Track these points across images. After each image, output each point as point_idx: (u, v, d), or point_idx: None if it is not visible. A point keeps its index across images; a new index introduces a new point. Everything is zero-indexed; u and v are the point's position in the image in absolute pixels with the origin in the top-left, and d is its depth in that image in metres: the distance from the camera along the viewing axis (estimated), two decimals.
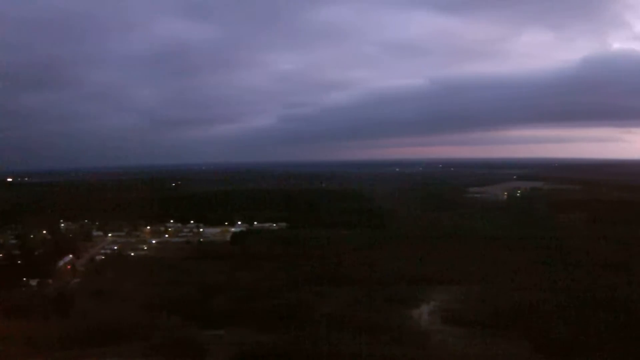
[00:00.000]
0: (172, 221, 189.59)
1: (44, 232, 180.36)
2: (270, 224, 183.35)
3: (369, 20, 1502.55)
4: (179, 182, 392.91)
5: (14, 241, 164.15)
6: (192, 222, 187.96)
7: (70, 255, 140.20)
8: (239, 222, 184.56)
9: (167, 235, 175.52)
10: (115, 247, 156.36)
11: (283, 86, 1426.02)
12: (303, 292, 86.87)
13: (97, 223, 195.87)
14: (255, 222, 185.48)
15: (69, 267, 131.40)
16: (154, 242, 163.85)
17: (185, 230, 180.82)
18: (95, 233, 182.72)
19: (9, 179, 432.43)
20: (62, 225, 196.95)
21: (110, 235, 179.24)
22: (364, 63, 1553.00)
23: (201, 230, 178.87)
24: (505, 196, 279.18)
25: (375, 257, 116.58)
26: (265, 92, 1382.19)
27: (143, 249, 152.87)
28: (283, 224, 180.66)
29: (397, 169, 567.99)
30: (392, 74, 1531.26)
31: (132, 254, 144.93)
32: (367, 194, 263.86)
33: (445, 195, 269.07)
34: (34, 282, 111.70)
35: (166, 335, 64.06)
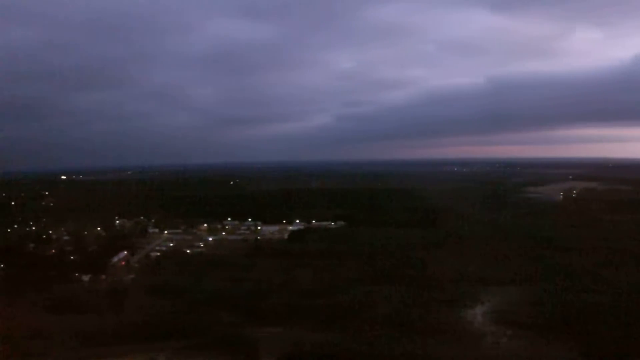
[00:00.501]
0: (229, 219, 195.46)
1: (99, 228, 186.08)
2: (328, 222, 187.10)
3: (425, 19, 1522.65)
4: (238, 180, 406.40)
5: (67, 237, 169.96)
6: (250, 219, 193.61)
7: (125, 252, 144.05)
8: (297, 221, 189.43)
9: (224, 233, 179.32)
10: (171, 244, 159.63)
11: (341, 85, 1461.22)
12: (359, 291, 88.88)
13: (153, 220, 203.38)
14: (313, 221, 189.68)
15: (123, 263, 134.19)
16: (210, 239, 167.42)
17: (243, 228, 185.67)
18: (151, 230, 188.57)
19: (63, 177, 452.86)
20: (118, 222, 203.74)
21: (166, 232, 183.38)
22: (421, 61, 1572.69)
23: (259, 228, 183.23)
24: (561, 196, 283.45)
25: (431, 256, 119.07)
26: (323, 91, 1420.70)
27: (199, 246, 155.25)
28: (341, 223, 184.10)
29: (455, 168, 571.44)
30: (449, 72, 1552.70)
31: (188, 251, 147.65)
32: (425, 193, 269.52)
33: (501, 194, 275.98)
34: (85, 278, 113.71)
35: (221, 332, 64.90)
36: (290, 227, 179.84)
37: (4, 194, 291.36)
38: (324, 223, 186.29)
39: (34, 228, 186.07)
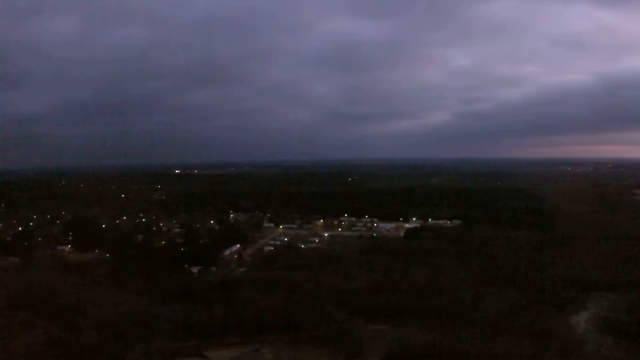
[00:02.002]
0: (346, 215, 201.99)
1: (211, 222, 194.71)
2: (444, 221, 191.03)
3: (535, 15, 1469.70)
4: (355, 177, 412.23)
5: (177, 230, 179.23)
6: (366, 216, 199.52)
7: (237, 245, 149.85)
8: (414, 218, 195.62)
9: (340, 229, 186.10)
10: (286, 239, 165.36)
11: (457, 82, 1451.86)
12: (469, 292, 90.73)
13: (268, 214, 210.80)
14: (429, 219, 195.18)
15: (235, 256, 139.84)
16: (326, 235, 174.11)
17: (359, 224, 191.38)
18: (265, 224, 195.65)
19: (177, 171, 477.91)
20: (232, 215, 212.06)
21: (281, 227, 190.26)
22: (532, 58, 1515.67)
23: (375, 225, 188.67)
24: None
25: (543, 258, 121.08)
26: (439, 88, 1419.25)
27: (314, 242, 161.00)
28: (457, 222, 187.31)
29: (569, 168, 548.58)
30: (559, 69, 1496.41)
31: (302, 246, 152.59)
32: (539, 193, 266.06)
33: (614, 196, 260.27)
34: (195, 270, 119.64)
35: (328, 328, 65.85)
36: (407, 225, 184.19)
37: (113, 187, 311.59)
38: (440, 221, 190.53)
39: (143, 220, 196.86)
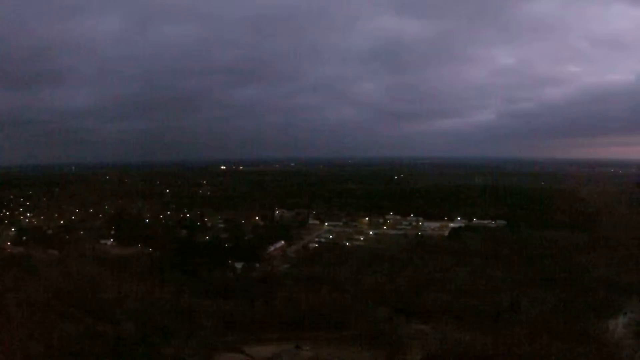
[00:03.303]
0: (391, 213, 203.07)
1: (257, 218, 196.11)
2: (488, 221, 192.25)
3: (576, 14, 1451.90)
4: (401, 175, 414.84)
5: (222, 225, 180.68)
6: (411, 215, 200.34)
7: (282, 242, 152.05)
8: (458, 218, 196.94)
9: (385, 227, 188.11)
10: (331, 236, 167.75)
11: (501, 81, 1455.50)
12: (511, 293, 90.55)
13: (313, 212, 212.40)
14: (474, 219, 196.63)
15: (279, 252, 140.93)
16: (371, 233, 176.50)
17: (404, 223, 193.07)
18: (311, 221, 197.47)
19: (223, 167, 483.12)
20: (277, 212, 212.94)
21: (326, 224, 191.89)
22: (574, 57, 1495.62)
23: (420, 223, 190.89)
24: None
25: (586, 260, 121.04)
26: (483, 87, 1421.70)
27: (359, 239, 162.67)
28: (501, 222, 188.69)
29: (612, 169, 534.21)
30: (601, 69, 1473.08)
31: (347, 243, 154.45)
32: (582, 194, 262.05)
33: None
34: (238, 265, 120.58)
35: (369, 326, 65.87)
36: (451, 224, 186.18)
37: (157, 182, 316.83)
38: (485, 221, 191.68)
39: (188, 215, 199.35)
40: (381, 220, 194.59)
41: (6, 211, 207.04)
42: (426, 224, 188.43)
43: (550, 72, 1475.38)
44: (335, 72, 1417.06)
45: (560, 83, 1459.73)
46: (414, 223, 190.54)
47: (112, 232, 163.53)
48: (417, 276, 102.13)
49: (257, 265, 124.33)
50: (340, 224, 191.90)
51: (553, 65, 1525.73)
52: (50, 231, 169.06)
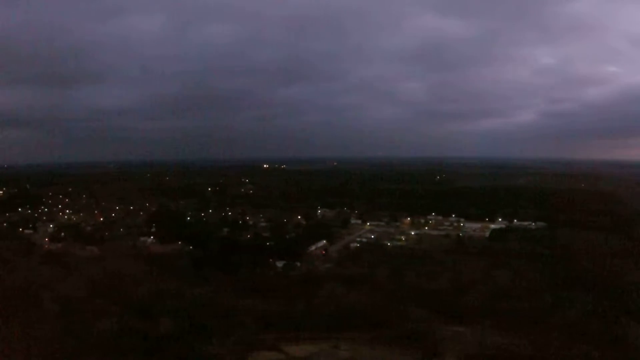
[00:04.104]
0: (433, 214, 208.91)
1: (299, 217, 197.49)
2: (529, 222, 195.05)
3: (615, 15, 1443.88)
4: (443, 175, 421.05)
5: (264, 224, 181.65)
6: (453, 215, 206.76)
7: (324, 241, 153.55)
8: (499, 219, 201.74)
9: (426, 228, 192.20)
10: (372, 236, 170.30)
11: (542, 81, 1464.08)
12: (550, 296, 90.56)
13: (356, 211, 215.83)
14: (514, 220, 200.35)
15: (320, 252, 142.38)
16: (412, 233, 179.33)
17: (446, 223, 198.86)
18: (353, 221, 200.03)
19: (265, 165, 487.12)
20: (319, 211, 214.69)
21: (368, 224, 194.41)
22: (614, 58, 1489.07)
23: (461, 224, 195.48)
24: None
25: (624, 264, 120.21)
26: (524, 87, 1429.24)
27: (400, 240, 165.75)
28: (541, 224, 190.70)
29: None
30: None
31: (388, 243, 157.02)
32: (625, 196, 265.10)
33: None
34: (280, 264, 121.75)
35: (407, 327, 64.98)
36: (492, 226, 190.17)
37: (199, 180, 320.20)
38: (524, 223, 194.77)
39: (229, 213, 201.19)
40: (423, 221, 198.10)
41: (45, 208, 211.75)
42: (467, 224, 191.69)
43: (590, 72, 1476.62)
44: (378, 71, 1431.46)
45: (600, 83, 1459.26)
46: (456, 224, 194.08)
47: (152, 230, 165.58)
48: (456, 277, 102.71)
49: (298, 264, 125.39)
50: (382, 223, 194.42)
51: (593, 65, 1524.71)
52: (89, 228, 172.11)
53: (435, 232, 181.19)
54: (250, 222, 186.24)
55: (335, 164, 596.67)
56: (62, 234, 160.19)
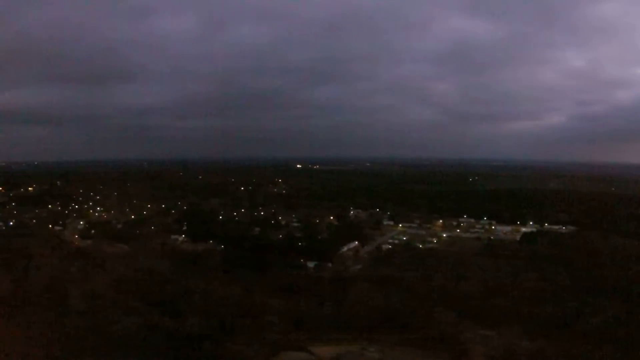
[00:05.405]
0: (465, 216, 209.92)
1: (331, 217, 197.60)
2: (559, 226, 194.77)
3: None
4: (475, 177, 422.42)
5: (296, 224, 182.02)
6: (484, 218, 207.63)
7: (356, 242, 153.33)
8: (530, 222, 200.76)
9: (458, 230, 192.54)
10: (404, 238, 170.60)
11: (571, 83, 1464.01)
12: (579, 301, 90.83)
13: (388, 212, 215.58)
14: (545, 224, 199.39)
15: (352, 253, 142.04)
16: (444, 235, 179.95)
17: (477, 226, 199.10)
18: (385, 222, 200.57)
19: (298, 165, 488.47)
20: (352, 212, 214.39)
21: (400, 225, 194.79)
22: None
23: (493, 227, 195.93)
24: None
25: None
26: (554, 89, 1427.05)
27: (432, 242, 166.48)
28: (571, 228, 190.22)
29: None
30: None
31: (420, 245, 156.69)
32: None
33: None
34: (311, 264, 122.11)
35: (436, 330, 65.32)
36: (523, 229, 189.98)
37: (232, 179, 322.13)
38: (555, 227, 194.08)
39: (262, 213, 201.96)
40: (454, 223, 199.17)
41: (75, 205, 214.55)
42: (498, 227, 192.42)
43: (619, 74, 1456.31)
44: (410, 72, 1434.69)
45: (630, 85, 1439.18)
46: (487, 226, 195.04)
47: (184, 228, 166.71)
48: (486, 281, 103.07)
49: (330, 265, 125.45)
50: (414, 225, 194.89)
51: (622, 67, 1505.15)
52: (119, 225, 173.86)
53: (466, 235, 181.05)
54: (282, 222, 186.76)
55: (368, 164, 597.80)
56: (92, 231, 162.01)
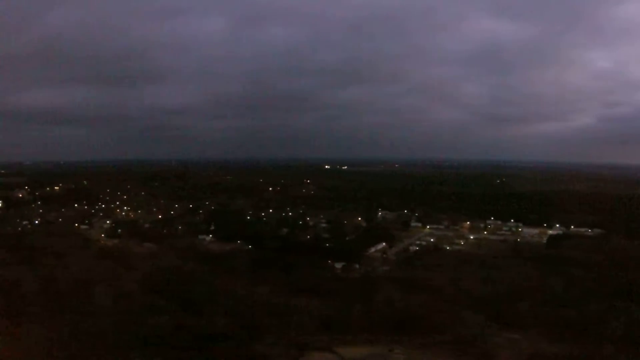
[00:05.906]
0: (492, 218, 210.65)
1: (359, 219, 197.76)
2: (586, 229, 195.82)
3: None
4: (503, 179, 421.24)
5: (324, 225, 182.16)
6: (511, 220, 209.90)
7: (383, 243, 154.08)
8: (557, 225, 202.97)
9: (485, 232, 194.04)
10: (432, 240, 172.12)
11: (598, 85, 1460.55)
12: (605, 304, 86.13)
13: (416, 214, 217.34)
14: (572, 226, 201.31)
15: (380, 254, 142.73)
16: (471, 237, 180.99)
17: (505, 228, 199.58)
18: (413, 224, 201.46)
19: (327, 166, 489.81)
20: (380, 213, 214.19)
21: (428, 227, 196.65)
22: None
23: (520, 230, 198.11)
24: None
25: None
26: (582, 90, 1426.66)
27: (459, 244, 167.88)
28: (598, 230, 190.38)
29: None
30: None
31: (447, 247, 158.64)
32: None
33: None
34: (338, 265, 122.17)
35: (461, 333, 64.59)
36: (550, 232, 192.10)
37: (260, 180, 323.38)
38: (582, 229, 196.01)
39: (290, 214, 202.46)
40: (482, 225, 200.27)
41: (102, 204, 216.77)
42: (525, 230, 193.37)
43: None
44: (438, 73, 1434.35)
45: None
46: (514, 229, 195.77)
47: (211, 228, 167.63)
48: (512, 283, 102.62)
49: (357, 266, 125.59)
50: (442, 227, 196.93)
51: None
52: (147, 225, 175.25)
53: (493, 237, 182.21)
54: (310, 223, 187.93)
55: (397, 165, 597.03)
56: (119, 230, 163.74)
